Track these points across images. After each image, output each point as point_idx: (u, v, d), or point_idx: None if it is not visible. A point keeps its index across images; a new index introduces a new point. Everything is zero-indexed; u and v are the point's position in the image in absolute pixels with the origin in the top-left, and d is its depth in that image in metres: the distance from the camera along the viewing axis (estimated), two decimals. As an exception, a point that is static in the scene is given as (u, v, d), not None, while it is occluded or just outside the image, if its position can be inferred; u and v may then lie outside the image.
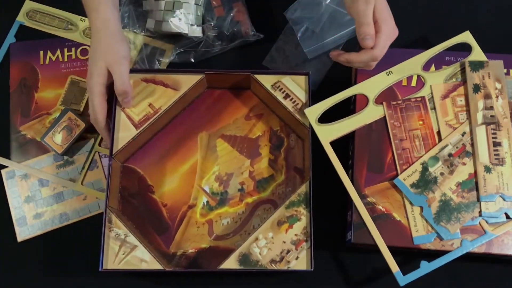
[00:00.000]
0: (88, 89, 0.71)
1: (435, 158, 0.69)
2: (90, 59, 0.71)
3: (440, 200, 0.67)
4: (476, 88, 0.70)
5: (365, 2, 0.65)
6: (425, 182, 0.68)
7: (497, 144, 0.68)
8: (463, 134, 0.70)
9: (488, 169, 0.67)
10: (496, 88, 0.70)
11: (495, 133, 0.68)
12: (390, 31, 0.67)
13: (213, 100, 0.79)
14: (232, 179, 0.76)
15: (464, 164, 0.68)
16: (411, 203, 0.68)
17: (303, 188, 0.70)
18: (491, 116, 0.69)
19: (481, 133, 0.69)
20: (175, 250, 0.73)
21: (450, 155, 0.69)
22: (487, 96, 0.70)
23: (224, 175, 0.76)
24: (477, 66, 0.72)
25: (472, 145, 0.69)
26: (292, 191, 0.72)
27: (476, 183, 0.67)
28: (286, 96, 0.74)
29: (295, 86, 0.75)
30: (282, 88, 0.74)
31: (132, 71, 0.76)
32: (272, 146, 0.77)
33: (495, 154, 0.68)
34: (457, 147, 0.69)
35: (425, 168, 0.69)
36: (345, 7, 0.69)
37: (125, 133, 0.74)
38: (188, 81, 0.76)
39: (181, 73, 0.76)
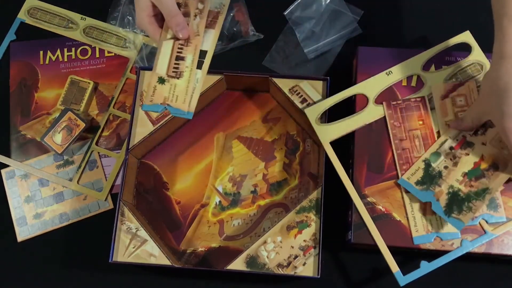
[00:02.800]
0: (137, 24, 0.70)
1: (437, 154, 0.69)
2: None
3: (448, 193, 0.66)
4: (177, 6, 0.69)
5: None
6: (430, 178, 0.68)
7: (179, 58, 0.67)
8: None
9: (161, 80, 0.67)
10: (197, 8, 0.69)
11: (181, 48, 0.68)
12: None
13: (231, 102, 0.80)
14: (245, 181, 0.76)
15: (467, 154, 0.68)
16: (419, 201, 0.68)
17: (315, 194, 0.70)
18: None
19: (166, 46, 0.68)
20: (185, 247, 0.73)
21: (451, 148, 0.68)
22: (186, 14, 0.69)
23: (238, 176, 0.76)
24: None
25: (472, 135, 0.69)
26: (305, 196, 0.72)
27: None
28: (303, 100, 0.74)
29: (313, 91, 0.74)
30: (299, 93, 0.74)
31: (144, 68, 0.77)
32: (287, 150, 0.77)
33: (174, 68, 0.67)
34: (457, 140, 0.69)
35: (427, 165, 0.68)
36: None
37: (142, 128, 0.75)
38: (206, 81, 0.76)
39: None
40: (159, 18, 0.69)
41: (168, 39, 0.68)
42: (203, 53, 0.68)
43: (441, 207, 0.66)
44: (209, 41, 0.68)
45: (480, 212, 0.66)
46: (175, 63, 0.67)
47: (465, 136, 0.69)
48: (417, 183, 0.68)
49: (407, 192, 0.69)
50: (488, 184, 0.66)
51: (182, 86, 0.66)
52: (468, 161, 0.68)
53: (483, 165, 0.67)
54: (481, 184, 0.66)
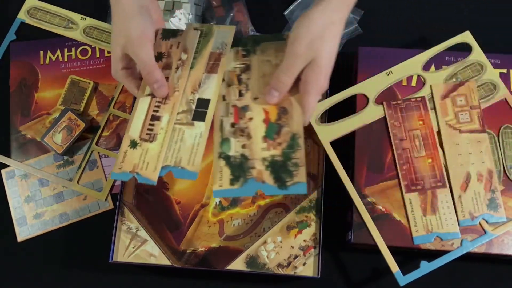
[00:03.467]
0: (113, 76, 0.65)
1: (225, 140, 0.62)
2: (111, 43, 0.65)
3: (266, 167, 0.60)
4: (159, 57, 0.64)
5: (302, 51, 0.59)
6: (239, 167, 0.61)
7: (155, 118, 0.62)
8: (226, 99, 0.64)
9: (133, 144, 0.61)
10: (180, 59, 0.64)
11: (158, 106, 0.62)
12: (318, 89, 0.61)
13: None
14: None
15: (251, 119, 0.62)
16: (419, 201, 0.68)
17: (315, 194, 0.70)
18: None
19: (142, 105, 0.63)
20: (186, 247, 0.73)
21: (233, 124, 0.63)
22: (167, 66, 0.64)
23: None
24: (170, 34, 0.66)
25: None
26: (305, 196, 0.72)
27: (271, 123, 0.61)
28: None
29: None
30: None
31: None
32: None
33: (148, 130, 0.62)
34: (231, 113, 0.63)
35: (226, 158, 0.61)
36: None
37: None
38: None
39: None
40: (137, 71, 0.64)
41: (145, 95, 0.63)
42: (204, 103, 0.62)
43: (272, 185, 0.59)
44: (212, 88, 0.63)
45: (304, 163, 0.61)
46: (150, 124, 0.62)
47: (234, 105, 0.63)
48: (232, 182, 0.61)
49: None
50: (291, 129, 0.61)
51: (154, 151, 0.61)
52: (257, 124, 0.62)
53: (273, 117, 0.62)
54: (287, 134, 0.61)
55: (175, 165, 0.61)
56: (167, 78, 0.64)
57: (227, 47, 0.66)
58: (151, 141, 0.62)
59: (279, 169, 0.60)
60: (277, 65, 0.63)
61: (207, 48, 0.66)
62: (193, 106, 0.63)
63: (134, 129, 0.63)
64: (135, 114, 0.63)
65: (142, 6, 0.63)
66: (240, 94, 0.63)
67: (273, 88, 0.62)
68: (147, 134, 0.62)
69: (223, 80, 0.65)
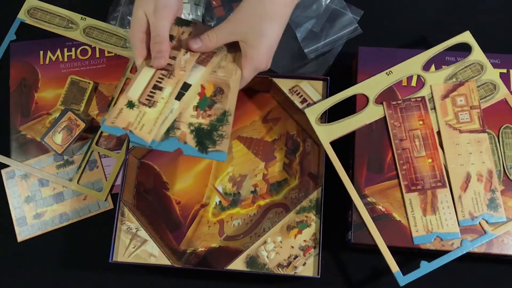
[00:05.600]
0: (129, 35, 0.67)
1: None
2: (133, 8, 0.66)
3: (191, 131, 0.63)
4: (170, 38, 0.67)
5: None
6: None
7: (157, 87, 0.64)
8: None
9: (131, 105, 0.63)
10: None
11: (162, 78, 0.65)
12: (252, 67, 0.65)
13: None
14: (245, 181, 0.76)
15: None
16: (419, 201, 0.68)
17: (315, 194, 0.70)
18: (168, 64, 0.66)
19: (146, 73, 0.65)
20: (186, 247, 0.73)
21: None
22: (175, 47, 0.67)
23: (238, 176, 0.76)
24: (184, 22, 0.69)
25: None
26: (305, 196, 0.72)
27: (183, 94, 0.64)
28: (303, 100, 0.74)
29: (313, 91, 0.74)
30: (299, 93, 0.74)
31: None
32: (287, 150, 0.77)
33: (148, 95, 0.64)
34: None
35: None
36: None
37: None
38: None
39: None
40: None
41: (150, 66, 0.65)
42: (186, 86, 0.65)
43: (193, 147, 0.62)
44: (196, 77, 0.66)
45: (229, 137, 0.64)
46: (151, 91, 0.64)
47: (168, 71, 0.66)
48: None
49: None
50: (223, 107, 0.65)
51: (151, 116, 0.63)
52: (192, 94, 0.65)
53: (208, 93, 0.66)
54: (217, 110, 0.64)
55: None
56: (174, 58, 0.66)
57: (222, 50, 0.68)
58: (149, 106, 0.63)
59: (203, 136, 0.63)
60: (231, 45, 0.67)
61: None
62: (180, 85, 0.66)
63: (134, 91, 0.64)
64: (136, 78, 0.65)
65: None
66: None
67: (199, 38, 0.65)
68: (146, 99, 0.64)
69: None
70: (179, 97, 0.65)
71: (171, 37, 0.67)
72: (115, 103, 0.64)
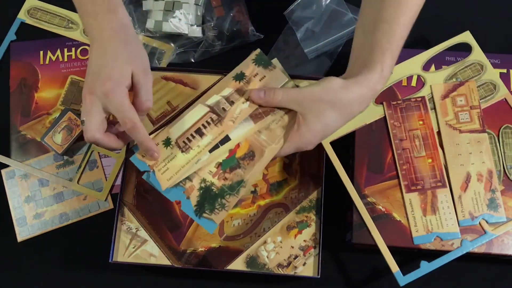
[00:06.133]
0: (105, 93, 0.58)
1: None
2: (101, 65, 0.60)
3: (199, 188, 0.61)
4: (240, 76, 0.65)
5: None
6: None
7: (199, 132, 0.62)
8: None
9: (167, 143, 0.61)
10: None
11: (208, 123, 0.62)
12: (301, 146, 0.63)
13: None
14: None
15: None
16: (419, 201, 0.68)
17: (315, 195, 0.70)
18: (223, 108, 0.63)
19: (197, 112, 0.63)
20: (186, 247, 0.73)
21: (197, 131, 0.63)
22: (239, 91, 0.64)
23: None
24: (263, 62, 0.67)
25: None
26: (305, 196, 0.72)
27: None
28: None
29: None
30: None
31: (155, 69, 0.76)
32: None
33: (187, 138, 0.61)
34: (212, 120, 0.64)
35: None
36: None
37: None
38: (207, 80, 0.75)
39: (201, 73, 0.76)
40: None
41: (206, 105, 0.62)
42: (226, 139, 0.62)
43: (192, 206, 0.60)
44: (239, 132, 0.62)
45: (231, 208, 0.62)
46: (191, 135, 0.62)
47: (213, 119, 0.63)
48: (168, 178, 0.61)
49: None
50: (243, 175, 0.62)
51: (179, 162, 0.61)
52: (223, 150, 0.63)
53: (239, 154, 0.63)
54: (236, 176, 0.62)
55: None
56: (232, 103, 0.63)
57: (277, 112, 0.64)
58: (182, 151, 0.62)
59: (208, 198, 0.61)
60: (279, 117, 0.64)
61: (275, 85, 0.66)
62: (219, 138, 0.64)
63: (177, 130, 0.63)
64: (186, 115, 0.63)
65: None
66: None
67: (264, 90, 0.63)
68: (184, 141, 0.62)
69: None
70: (213, 149, 0.62)
71: (243, 76, 0.64)
72: (157, 133, 0.61)
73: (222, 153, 0.63)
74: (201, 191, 0.61)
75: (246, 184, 0.62)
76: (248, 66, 0.67)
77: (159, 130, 0.63)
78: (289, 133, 0.63)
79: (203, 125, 0.63)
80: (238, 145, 0.63)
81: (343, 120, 0.61)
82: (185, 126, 0.63)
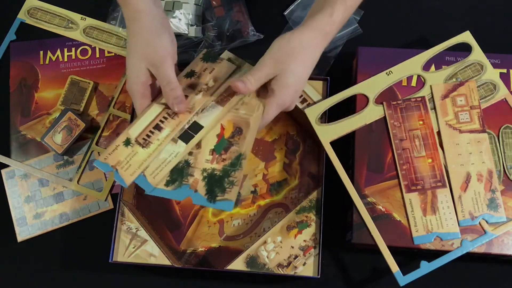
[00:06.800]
0: (128, 90, 0.66)
1: (173, 140, 0.64)
2: (127, 58, 0.66)
3: (203, 178, 0.62)
4: (191, 74, 0.68)
5: (271, 64, 0.63)
6: (178, 172, 0.62)
7: (157, 128, 0.64)
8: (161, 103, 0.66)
9: (127, 143, 0.63)
10: (206, 84, 0.67)
11: (166, 118, 0.64)
12: (281, 103, 0.65)
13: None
14: (245, 181, 0.76)
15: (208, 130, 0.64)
16: (419, 201, 0.68)
17: (315, 194, 0.70)
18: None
19: (154, 111, 0.65)
20: (186, 247, 0.73)
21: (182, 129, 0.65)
22: (192, 86, 0.67)
23: None
24: (210, 58, 0.70)
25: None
26: (305, 196, 0.72)
27: (224, 140, 0.63)
28: (303, 100, 0.74)
29: (313, 91, 0.74)
30: None
31: None
32: (287, 150, 0.77)
33: (146, 135, 0.63)
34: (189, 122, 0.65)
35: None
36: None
37: None
38: None
39: None
40: (154, 90, 0.66)
41: (159, 103, 0.65)
42: (197, 127, 0.64)
43: (202, 196, 0.61)
44: (210, 118, 0.65)
45: (240, 183, 0.63)
46: (150, 131, 0.64)
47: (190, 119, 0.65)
48: (167, 183, 0.62)
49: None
50: (239, 150, 0.63)
51: (140, 157, 0.62)
52: (210, 137, 0.64)
53: (227, 134, 0.65)
54: (233, 154, 0.63)
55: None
56: (186, 97, 0.66)
57: None
58: (143, 147, 0.63)
59: (214, 183, 0.61)
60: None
61: (226, 76, 0.69)
62: (186, 126, 0.65)
63: (135, 129, 0.64)
64: (142, 116, 0.65)
65: (163, 24, 0.66)
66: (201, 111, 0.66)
67: (240, 80, 0.64)
68: (143, 139, 0.64)
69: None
70: (187, 139, 0.64)
71: (193, 73, 0.68)
72: (117, 138, 0.64)
73: (210, 140, 0.64)
74: (205, 180, 0.62)
75: (245, 155, 0.63)
76: (197, 64, 0.70)
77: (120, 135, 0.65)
78: (265, 98, 0.65)
79: (160, 120, 0.64)
80: (223, 128, 0.65)
81: (306, 67, 0.64)
82: (143, 125, 0.64)
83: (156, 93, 0.67)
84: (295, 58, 0.63)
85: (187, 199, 0.74)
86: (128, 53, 0.65)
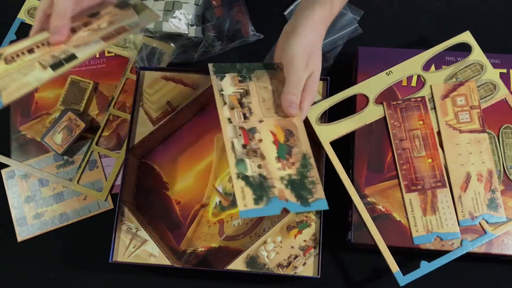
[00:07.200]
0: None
1: (240, 161, 0.62)
2: None
3: (286, 186, 0.60)
4: (94, 14, 0.66)
5: (304, 67, 0.64)
6: (260, 187, 0.60)
7: (30, 51, 0.62)
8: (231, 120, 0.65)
9: None
10: (98, 25, 0.65)
11: (43, 45, 0.63)
12: (313, 96, 0.66)
13: (231, 101, 0.79)
14: None
15: (261, 140, 0.63)
16: (419, 201, 0.68)
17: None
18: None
19: (41, 36, 0.63)
20: (186, 247, 0.73)
21: (244, 146, 0.62)
22: (86, 24, 0.64)
23: None
24: (124, 4, 0.67)
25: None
26: None
27: (281, 144, 0.63)
28: None
29: None
30: None
31: (155, 69, 0.76)
32: None
33: (16, 55, 0.62)
34: (240, 135, 0.63)
35: (245, 177, 0.60)
36: (276, 56, 0.68)
37: (142, 128, 0.74)
38: (207, 80, 0.76)
39: (201, 73, 0.76)
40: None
41: (48, 32, 0.63)
42: (71, 59, 0.63)
43: (295, 203, 0.60)
44: (87, 51, 0.63)
45: (319, 178, 0.62)
46: (22, 52, 0.62)
47: (241, 127, 0.64)
48: (256, 201, 0.59)
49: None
50: (301, 150, 0.63)
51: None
52: (267, 145, 0.63)
53: (281, 139, 0.64)
54: (298, 155, 0.63)
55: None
56: (74, 32, 0.64)
57: (136, 28, 0.66)
58: (6, 63, 0.61)
59: (298, 187, 0.61)
60: (274, 91, 0.66)
61: (123, 22, 0.66)
62: (63, 56, 0.63)
63: (12, 47, 0.62)
64: (28, 39, 0.63)
65: None
66: (245, 117, 0.64)
67: (290, 101, 0.63)
68: (12, 57, 0.62)
69: (225, 103, 0.65)
70: (56, 67, 0.62)
71: (96, 14, 0.65)
72: None
73: (269, 148, 0.63)
74: (289, 187, 0.61)
75: (309, 154, 0.63)
76: (107, 6, 0.67)
77: None
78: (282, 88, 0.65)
79: (37, 46, 0.63)
80: (274, 134, 0.64)
81: (320, 51, 0.66)
82: (21, 46, 0.63)
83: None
84: (317, 52, 0.65)
85: (187, 199, 0.75)
86: None
